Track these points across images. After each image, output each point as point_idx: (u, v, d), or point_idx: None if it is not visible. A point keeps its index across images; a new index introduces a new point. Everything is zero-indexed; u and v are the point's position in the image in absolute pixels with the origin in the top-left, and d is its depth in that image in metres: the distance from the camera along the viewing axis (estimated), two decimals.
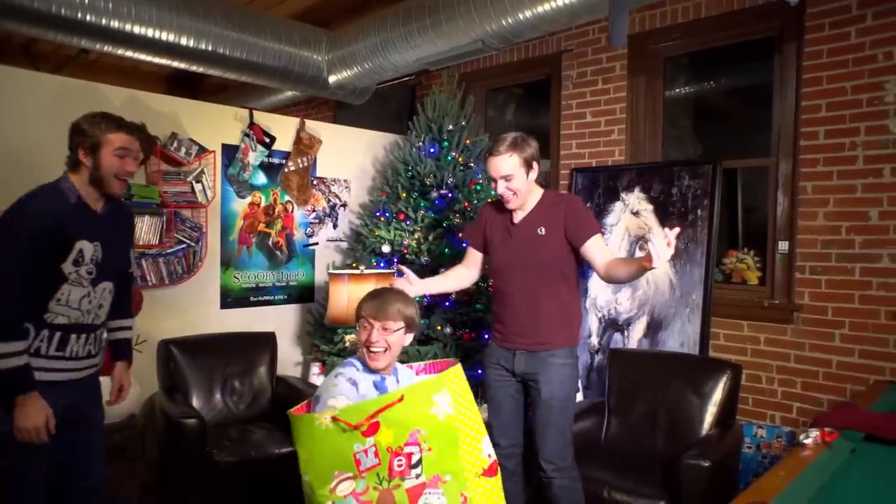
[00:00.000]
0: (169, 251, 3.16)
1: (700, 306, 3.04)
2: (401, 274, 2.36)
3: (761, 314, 3.00)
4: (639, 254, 3.24)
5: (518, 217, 2.25)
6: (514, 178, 2.15)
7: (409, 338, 1.82)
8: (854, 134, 2.72)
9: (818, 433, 1.76)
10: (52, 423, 1.78)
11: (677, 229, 1.85)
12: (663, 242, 1.81)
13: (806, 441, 1.75)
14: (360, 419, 1.56)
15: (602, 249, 2.16)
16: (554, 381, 2.17)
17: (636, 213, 3.28)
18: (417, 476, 1.61)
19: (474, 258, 2.44)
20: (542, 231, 2.19)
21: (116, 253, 1.96)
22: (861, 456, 1.72)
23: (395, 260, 3.28)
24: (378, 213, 3.45)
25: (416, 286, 2.31)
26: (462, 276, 2.48)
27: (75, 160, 1.85)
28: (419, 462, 1.62)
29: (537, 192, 2.26)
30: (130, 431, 2.87)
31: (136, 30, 3.03)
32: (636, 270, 2.01)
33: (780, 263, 2.99)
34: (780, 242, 2.99)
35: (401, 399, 1.59)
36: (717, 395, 2.62)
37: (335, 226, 3.89)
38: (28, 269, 1.73)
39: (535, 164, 2.20)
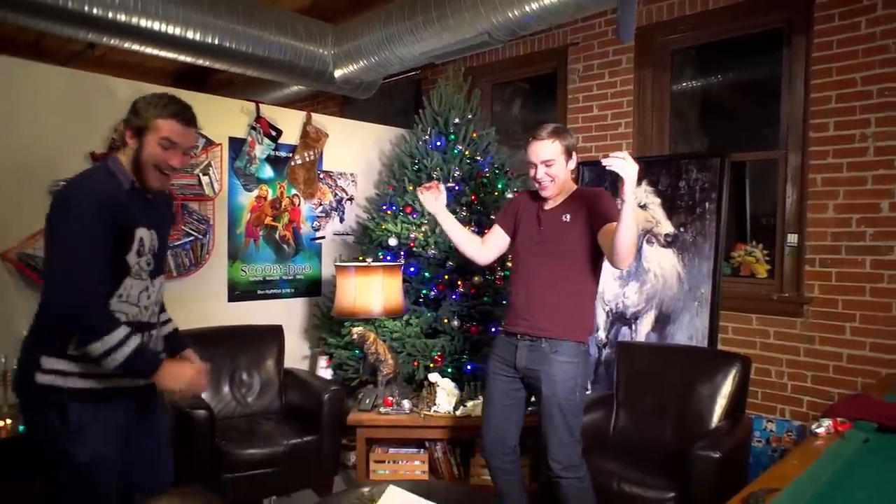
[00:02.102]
0: (176, 244, 3.16)
1: (708, 300, 3.03)
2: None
3: (770, 307, 2.99)
4: (646, 247, 3.23)
5: (549, 205, 2.25)
6: (555, 164, 2.16)
7: None
8: (864, 125, 2.70)
9: (831, 423, 1.75)
10: (206, 368, 1.72)
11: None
12: (614, 160, 1.78)
13: (818, 430, 1.74)
14: None
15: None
16: (556, 378, 2.13)
17: (643, 207, 3.27)
18: None
19: (495, 238, 2.40)
20: (566, 218, 2.19)
21: (165, 242, 1.82)
22: (874, 446, 1.70)
23: (402, 253, 3.27)
24: (385, 207, 3.45)
25: (437, 206, 2.31)
26: (476, 243, 2.42)
27: (123, 139, 1.68)
28: None
29: (572, 186, 2.28)
30: None
31: (143, 23, 3.04)
32: (623, 217, 1.88)
33: (790, 256, 2.98)
34: (789, 235, 2.97)
35: None
36: (727, 387, 2.61)
37: (342, 219, 3.89)
38: (103, 260, 1.56)
39: (574, 155, 2.21)
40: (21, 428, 2.29)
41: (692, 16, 3.27)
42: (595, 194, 2.21)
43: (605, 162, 1.82)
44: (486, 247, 2.41)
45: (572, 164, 2.22)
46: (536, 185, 2.22)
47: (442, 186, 2.33)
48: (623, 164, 1.80)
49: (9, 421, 2.33)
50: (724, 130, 3.59)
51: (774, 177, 3.08)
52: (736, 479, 2.42)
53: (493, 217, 3.29)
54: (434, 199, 2.31)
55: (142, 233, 1.65)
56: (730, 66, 3.49)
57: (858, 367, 2.71)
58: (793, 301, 2.91)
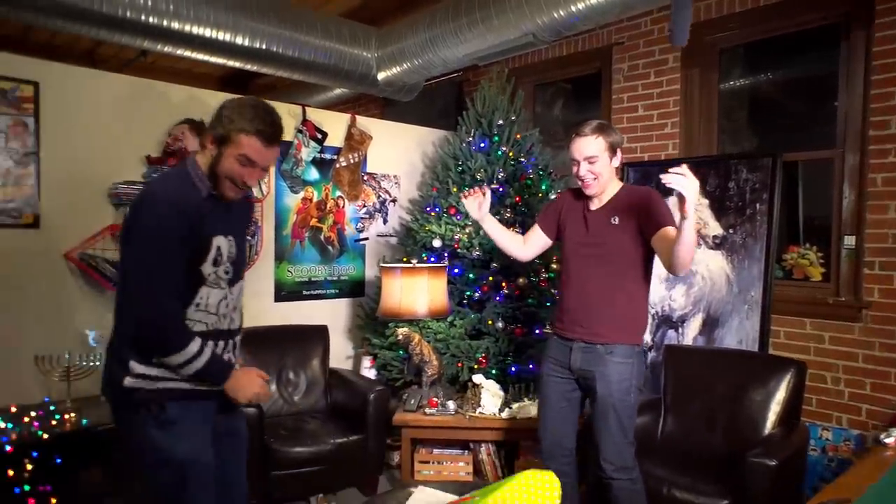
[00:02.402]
0: None
1: (759, 303, 2.95)
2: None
3: (825, 312, 2.89)
4: None
5: (594, 205, 2.21)
6: (598, 161, 2.12)
7: None
8: None
9: None
10: (267, 376, 1.70)
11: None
12: (674, 177, 1.73)
13: (888, 440, 1.68)
14: None
15: (671, 242, 2.04)
16: (611, 379, 2.11)
17: None
18: None
19: (535, 238, 2.39)
20: (615, 220, 2.15)
21: (244, 248, 1.74)
22: None
23: (446, 254, 3.28)
24: (428, 209, 3.46)
25: (481, 213, 2.31)
26: (518, 243, 2.42)
27: (204, 142, 1.62)
28: None
29: (617, 184, 2.23)
30: None
31: (195, 30, 3.12)
32: (683, 233, 1.85)
33: (847, 259, 2.88)
34: (846, 237, 2.87)
35: None
36: (781, 393, 2.54)
37: (385, 221, 3.93)
38: (178, 271, 1.54)
39: (618, 152, 2.17)
40: (84, 421, 2.38)
41: (741, 13, 3.20)
42: (644, 196, 2.15)
43: (664, 179, 1.77)
44: (527, 245, 2.42)
45: (616, 162, 2.17)
46: (579, 182, 2.19)
47: (488, 191, 2.31)
48: (683, 182, 1.75)
49: (73, 414, 2.42)
50: (774, 130, 3.49)
51: (829, 177, 2.98)
52: (793, 488, 2.36)
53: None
54: (478, 206, 2.30)
55: (219, 241, 1.62)
56: (780, 64, 3.39)
57: None
58: (850, 305, 2.82)
